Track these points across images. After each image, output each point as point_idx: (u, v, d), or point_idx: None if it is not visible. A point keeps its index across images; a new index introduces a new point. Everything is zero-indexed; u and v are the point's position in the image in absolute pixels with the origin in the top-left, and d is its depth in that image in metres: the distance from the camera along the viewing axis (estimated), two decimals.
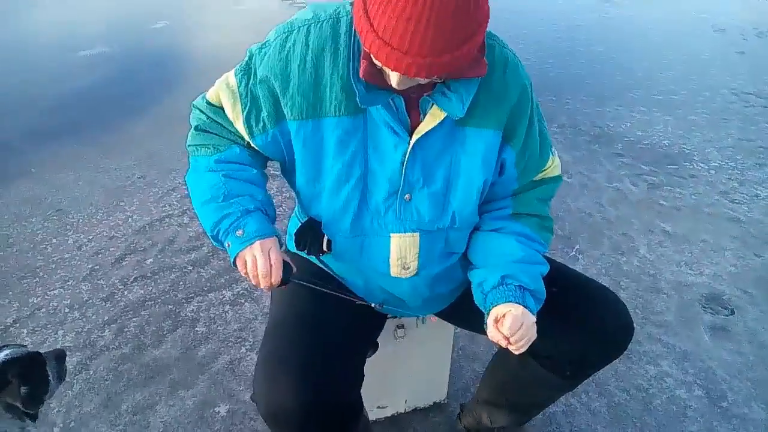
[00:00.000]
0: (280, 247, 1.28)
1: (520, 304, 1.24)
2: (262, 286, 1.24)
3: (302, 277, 1.32)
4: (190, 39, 5.26)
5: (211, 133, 1.35)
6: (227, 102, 1.29)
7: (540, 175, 1.39)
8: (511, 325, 1.20)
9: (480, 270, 1.35)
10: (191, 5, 6.12)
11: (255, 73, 1.24)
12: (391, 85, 1.11)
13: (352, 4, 1.16)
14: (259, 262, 1.21)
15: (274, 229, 1.27)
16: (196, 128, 1.36)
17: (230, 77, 1.29)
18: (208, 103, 1.35)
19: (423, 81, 1.08)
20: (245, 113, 1.27)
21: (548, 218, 1.42)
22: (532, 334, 1.24)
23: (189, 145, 1.37)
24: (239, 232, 1.23)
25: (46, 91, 4.22)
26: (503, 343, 1.22)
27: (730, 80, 4.87)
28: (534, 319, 1.25)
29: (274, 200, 1.37)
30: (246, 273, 1.24)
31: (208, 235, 1.30)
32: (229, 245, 1.25)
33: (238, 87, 1.27)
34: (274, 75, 1.20)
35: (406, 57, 0.98)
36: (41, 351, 1.43)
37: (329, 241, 1.34)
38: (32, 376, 1.33)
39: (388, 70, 1.07)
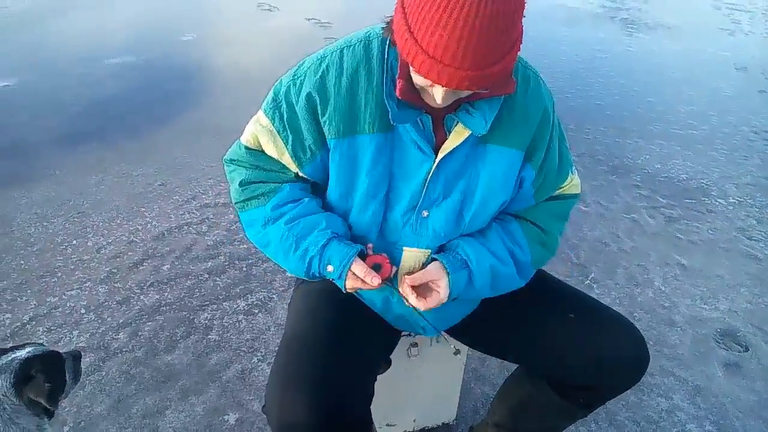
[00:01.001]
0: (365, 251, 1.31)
1: (447, 273, 1.28)
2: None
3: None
4: (216, 53, 5.35)
5: (256, 182, 1.36)
6: (267, 141, 1.32)
7: (557, 192, 1.41)
8: (429, 302, 1.27)
9: None
10: (220, 20, 6.23)
11: (289, 105, 1.28)
12: (427, 103, 1.16)
13: (383, 28, 1.20)
14: (363, 287, 1.27)
15: (351, 246, 1.28)
16: (241, 183, 1.36)
17: (261, 117, 1.33)
18: (247, 148, 1.37)
19: (464, 95, 1.13)
20: (290, 146, 1.30)
21: (551, 234, 1.42)
22: (433, 306, 1.28)
23: (236, 202, 1.39)
24: (329, 268, 1.27)
25: (73, 97, 4.30)
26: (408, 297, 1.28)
27: (750, 118, 4.87)
28: (446, 298, 1.28)
29: None
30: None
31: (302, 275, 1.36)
32: (333, 280, 1.31)
33: (273, 124, 1.30)
34: (310, 99, 1.24)
35: (459, 72, 1.02)
36: (57, 350, 1.45)
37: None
38: (53, 373, 1.36)
39: (430, 90, 1.11)
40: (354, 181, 1.28)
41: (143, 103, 4.31)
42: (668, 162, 4.06)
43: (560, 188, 1.42)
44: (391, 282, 1.29)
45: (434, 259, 1.31)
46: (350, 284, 1.27)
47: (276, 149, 1.32)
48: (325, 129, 1.25)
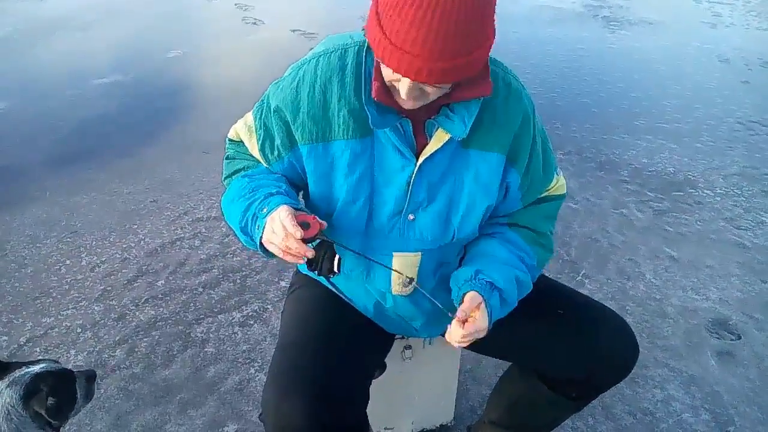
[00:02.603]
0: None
1: (484, 298, 1.24)
2: (291, 256, 1.18)
3: (332, 239, 1.26)
4: (202, 68, 5.36)
5: (239, 159, 1.45)
6: (245, 136, 1.41)
7: (544, 194, 1.43)
8: (470, 332, 1.20)
9: (460, 267, 1.37)
10: (204, 36, 6.24)
11: (268, 106, 1.33)
12: (407, 108, 1.17)
13: (363, 28, 1.22)
14: (276, 233, 1.17)
15: (295, 202, 1.26)
16: (227, 157, 1.48)
17: (248, 116, 1.41)
18: (230, 140, 1.48)
19: (430, 91, 1.12)
20: (260, 143, 1.36)
21: (545, 235, 1.44)
22: (477, 337, 1.23)
23: (224, 178, 1.46)
24: (264, 210, 1.23)
25: (62, 119, 4.30)
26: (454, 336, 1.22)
27: (735, 109, 4.92)
28: (485, 325, 1.23)
29: None
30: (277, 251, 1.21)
31: (238, 232, 1.31)
32: (258, 227, 1.23)
33: (255, 122, 1.37)
34: (285, 105, 1.28)
35: (417, 60, 1.02)
36: (70, 369, 1.49)
37: (339, 261, 1.36)
38: (62, 390, 1.41)
39: (397, 85, 1.12)
40: (332, 186, 1.30)
41: (132, 121, 4.32)
42: (655, 156, 4.09)
43: (547, 190, 1.44)
44: (323, 235, 1.21)
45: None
46: (268, 228, 1.19)
47: (250, 144, 1.40)
48: (297, 135, 1.28)
